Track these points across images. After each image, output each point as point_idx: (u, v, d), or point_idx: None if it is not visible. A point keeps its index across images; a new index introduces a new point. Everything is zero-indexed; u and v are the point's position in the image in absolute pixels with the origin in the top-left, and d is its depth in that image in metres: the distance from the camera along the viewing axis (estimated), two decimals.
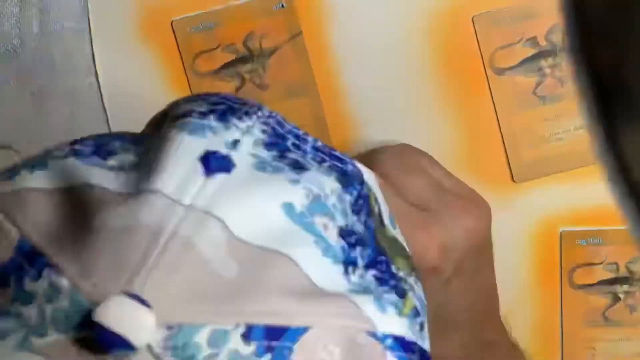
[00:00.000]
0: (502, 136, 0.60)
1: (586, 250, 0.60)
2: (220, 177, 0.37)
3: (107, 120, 0.61)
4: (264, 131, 0.39)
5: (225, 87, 0.61)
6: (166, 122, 0.40)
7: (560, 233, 0.61)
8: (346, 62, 0.60)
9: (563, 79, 0.59)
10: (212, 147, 0.38)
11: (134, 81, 0.61)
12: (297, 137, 0.40)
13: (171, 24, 0.60)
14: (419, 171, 0.52)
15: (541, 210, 0.61)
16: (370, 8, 0.60)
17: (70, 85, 0.61)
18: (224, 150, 0.38)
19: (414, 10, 0.59)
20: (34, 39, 0.61)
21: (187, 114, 0.39)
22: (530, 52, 0.59)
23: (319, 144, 0.41)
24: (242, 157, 0.38)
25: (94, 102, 0.61)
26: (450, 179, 0.53)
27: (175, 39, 0.60)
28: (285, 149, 0.39)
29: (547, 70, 0.59)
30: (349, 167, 0.40)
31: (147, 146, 0.40)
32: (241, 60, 0.61)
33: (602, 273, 0.61)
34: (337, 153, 0.41)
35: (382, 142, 0.60)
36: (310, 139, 0.40)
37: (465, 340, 0.52)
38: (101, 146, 0.40)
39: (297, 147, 0.40)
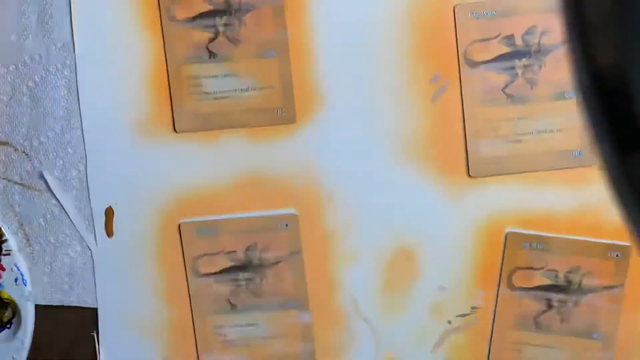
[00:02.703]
0: (464, 129, 0.60)
1: (529, 253, 0.61)
2: None
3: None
4: None
5: (200, 36, 0.60)
6: None
7: (506, 233, 0.61)
8: (321, 27, 0.60)
9: (533, 82, 0.59)
10: None
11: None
12: None
13: None
14: None
15: (491, 208, 0.61)
16: None
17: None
18: None
19: None
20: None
21: None
22: (506, 49, 0.59)
23: None
24: None
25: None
26: None
27: None
28: None
29: (519, 71, 0.59)
30: None
31: None
32: (218, 12, 0.60)
33: (540, 279, 0.61)
34: None
35: (345, 115, 0.60)
36: None
37: None
38: None
39: None
